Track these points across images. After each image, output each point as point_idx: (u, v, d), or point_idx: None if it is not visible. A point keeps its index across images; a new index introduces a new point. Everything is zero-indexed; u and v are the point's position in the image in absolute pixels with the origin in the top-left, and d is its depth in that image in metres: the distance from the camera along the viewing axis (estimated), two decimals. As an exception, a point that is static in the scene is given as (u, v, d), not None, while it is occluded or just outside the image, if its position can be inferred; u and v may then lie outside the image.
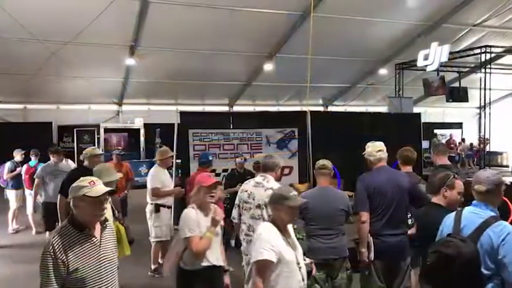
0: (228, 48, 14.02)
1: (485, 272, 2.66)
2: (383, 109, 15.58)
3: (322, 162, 4.66)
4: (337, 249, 4.14)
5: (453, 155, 19.13)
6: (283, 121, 9.81)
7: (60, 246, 2.45)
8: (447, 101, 16.13)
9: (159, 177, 6.28)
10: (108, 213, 2.97)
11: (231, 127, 9.14)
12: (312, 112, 10.00)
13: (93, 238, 2.60)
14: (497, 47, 14.36)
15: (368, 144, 4.57)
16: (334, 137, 9.45)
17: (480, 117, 14.65)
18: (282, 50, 14.53)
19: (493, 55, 14.89)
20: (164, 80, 15.36)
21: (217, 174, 8.71)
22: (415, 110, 15.79)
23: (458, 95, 15.80)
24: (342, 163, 8.12)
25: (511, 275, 2.59)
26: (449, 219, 3.00)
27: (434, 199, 3.51)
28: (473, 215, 2.84)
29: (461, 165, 18.58)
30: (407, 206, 4.24)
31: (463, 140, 20.81)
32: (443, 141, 19.59)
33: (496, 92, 19.01)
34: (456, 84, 16.38)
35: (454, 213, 3.00)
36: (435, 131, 20.48)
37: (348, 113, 15.17)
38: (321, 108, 19.45)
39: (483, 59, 14.20)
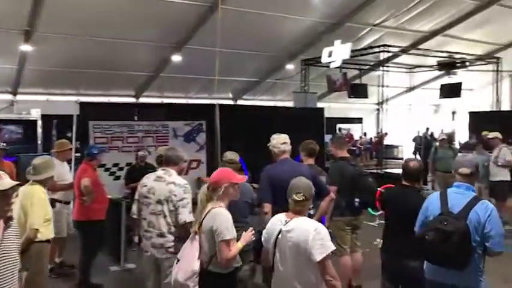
0: (133, 37, 13.50)
1: (472, 244, 3.20)
2: (290, 104, 15.96)
3: (229, 155, 4.65)
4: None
5: (354, 148, 20.23)
6: (191, 114, 9.66)
7: None
8: (349, 97, 16.90)
9: (56, 170, 5.88)
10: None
11: (136, 119, 8.81)
12: (220, 105, 9.95)
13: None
14: (395, 46, 15.29)
15: (273, 136, 4.64)
16: (242, 130, 9.46)
17: (378, 113, 15.57)
18: (190, 41, 14.29)
19: (390, 54, 15.87)
20: (64, 68, 14.43)
21: (121, 169, 8.39)
22: (320, 105, 16.39)
23: (359, 92, 16.63)
24: (250, 156, 8.16)
25: (496, 245, 3.20)
26: (432, 200, 3.49)
27: (408, 182, 3.99)
28: (459, 195, 3.37)
29: (360, 159, 19.58)
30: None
31: (364, 134, 22.00)
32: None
33: (393, 89, 20.35)
34: (357, 81, 17.23)
35: (436, 194, 3.51)
36: (338, 125, 21.46)
37: (256, 107, 15.33)
38: (231, 102, 19.51)
39: (382, 58, 15.07)
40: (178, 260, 3.39)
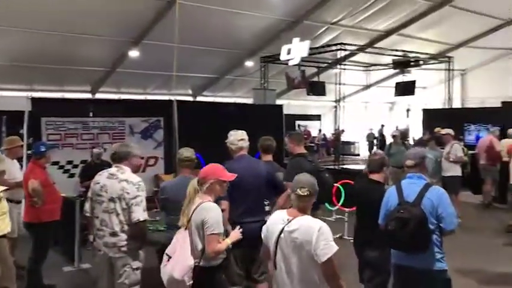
0: (90, 32, 13.12)
1: (429, 227, 3.53)
2: (250, 100, 15.99)
3: (184, 153, 4.60)
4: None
5: (312, 144, 20.53)
6: (149, 110, 9.53)
7: None
8: (307, 94, 17.12)
9: (6, 168, 5.67)
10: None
11: (91, 115, 8.60)
12: (178, 101, 9.85)
13: None
14: (351, 45, 15.59)
15: (231, 132, 4.63)
16: (201, 127, 9.39)
17: (336, 110, 15.84)
18: (148, 36, 14.03)
19: (347, 52, 16.16)
20: (15, 62, 13.86)
21: (75, 166, 8.18)
22: (279, 102, 16.53)
23: (317, 89, 16.88)
24: (209, 152, 8.11)
25: (449, 225, 3.55)
26: (391, 192, 3.82)
27: (375, 176, 4.21)
28: (412, 185, 3.70)
29: (318, 155, 19.82)
30: (265, 193, 4.36)
31: (319, 131, 22.31)
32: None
33: (350, 87, 20.74)
34: (316, 79, 17.46)
35: (393, 187, 3.82)
36: (297, 122, 21.69)
37: (215, 103, 15.28)
38: (191, 98, 19.33)
39: (339, 56, 15.33)
40: (169, 257, 3.37)
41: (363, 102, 21.79)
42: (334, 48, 14.93)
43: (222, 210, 4.01)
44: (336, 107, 15.63)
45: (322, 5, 14.28)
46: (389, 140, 19.40)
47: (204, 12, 12.98)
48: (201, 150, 7.74)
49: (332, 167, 13.65)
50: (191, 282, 3.25)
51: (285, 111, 12.39)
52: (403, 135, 15.20)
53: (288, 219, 3.00)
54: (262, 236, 3.25)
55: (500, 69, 20.90)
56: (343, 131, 17.17)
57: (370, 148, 21.41)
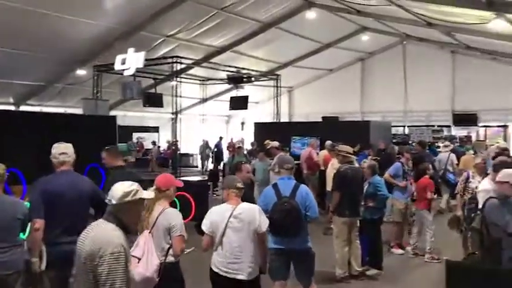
0: None
1: (302, 215, 4.73)
2: (81, 111, 15.10)
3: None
4: (10, 263, 3.73)
5: (147, 157, 20.26)
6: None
7: None
8: (144, 105, 16.87)
9: None
10: None
11: None
12: (-4, 111, 8.85)
13: None
14: (187, 58, 15.84)
15: (54, 145, 4.34)
16: (25, 139, 8.58)
17: (173, 123, 15.87)
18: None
19: (183, 66, 16.37)
20: None
21: None
22: (115, 113, 15.93)
23: (154, 101, 16.74)
24: (31, 167, 7.46)
25: (313, 213, 4.82)
26: (267, 191, 4.94)
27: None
28: (286, 183, 4.88)
29: (151, 167, 19.44)
30: (87, 211, 4.15)
31: (153, 143, 21.92)
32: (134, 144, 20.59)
33: (187, 100, 21.02)
34: (153, 91, 17.30)
35: (269, 187, 5.01)
36: (134, 134, 21.18)
37: (40, 114, 14.05)
38: (12, 108, 17.48)
39: (175, 69, 15.44)
40: (139, 259, 3.71)
41: (201, 115, 22.22)
42: (170, 60, 14.98)
43: (36, 230, 3.73)
44: (173, 119, 15.62)
45: (158, 17, 14.23)
46: (225, 151, 20.24)
47: (25, 14, 11.89)
48: (24, 164, 7.09)
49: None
50: (158, 278, 3.77)
51: (121, 122, 12.06)
52: (239, 147, 15.87)
53: (232, 207, 4.07)
54: (208, 227, 4.10)
55: (321, 88, 23.38)
56: (175, 141, 17.26)
57: (204, 159, 21.92)
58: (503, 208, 4.36)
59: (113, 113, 16.38)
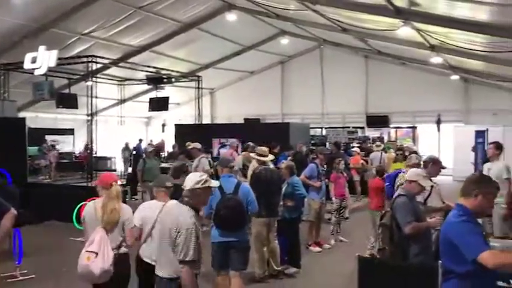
0: None
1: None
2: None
3: None
4: None
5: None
6: None
7: None
8: (57, 107, 16.02)
9: None
10: None
11: None
12: None
13: None
14: (104, 58, 15.25)
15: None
16: None
17: (89, 124, 15.15)
18: None
19: (100, 65, 15.74)
20: None
21: None
22: (24, 114, 14.96)
23: (68, 102, 15.94)
24: None
25: (253, 208, 5.39)
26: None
27: (178, 181, 5.03)
28: (228, 181, 5.33)
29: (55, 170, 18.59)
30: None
31: (52, 146, 20.39)
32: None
33: (104, 101, 20.26)
34: (66, 91, 16.47)
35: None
36: (47, 136, 19.95)
37: None
38: None
39: (91, 69, 14.78)
40: (96, 253, 3.95)
41: (119, 116, 21.47)
42: (85, 60, 14.33)
43: None
44: (89, 120, 14.92)
45: (71, 14, 13.60)
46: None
47: None
48: None
49: (84, 184, 13.04)
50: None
51: (33, 124, 11.37)
52: (158, 149, 15.53)
53: (162, 204, 4.34)
54: (137, 221, 4.37)
55: (243, 90, 23.59)
56: (87, 145, 16.48)
57: (126, 162, 21.26)
58: (410, 205, 4.58)
59: (22, 114, 15.37)
